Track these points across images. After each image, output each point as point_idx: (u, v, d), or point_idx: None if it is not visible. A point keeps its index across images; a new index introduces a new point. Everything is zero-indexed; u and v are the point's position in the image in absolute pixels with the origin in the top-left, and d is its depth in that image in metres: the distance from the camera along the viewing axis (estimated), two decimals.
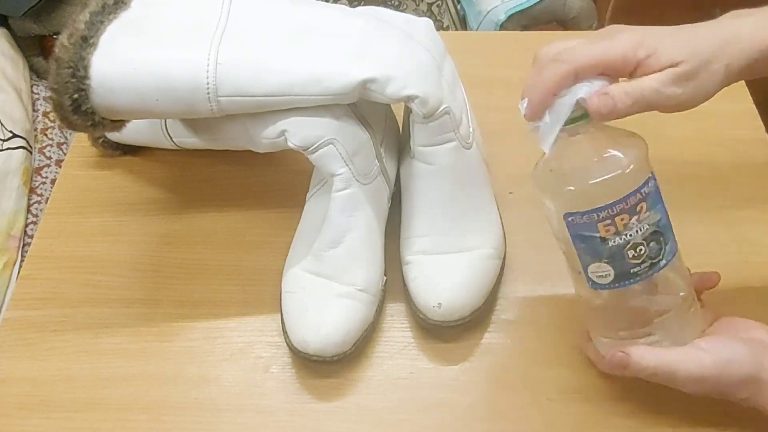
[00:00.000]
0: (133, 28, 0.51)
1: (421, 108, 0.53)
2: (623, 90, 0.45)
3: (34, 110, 1.33)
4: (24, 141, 1.21)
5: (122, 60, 0.50)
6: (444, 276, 0.56)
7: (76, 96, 0.49)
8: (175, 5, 0.53)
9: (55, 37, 1.43)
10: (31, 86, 1.37)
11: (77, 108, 0.49)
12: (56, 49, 0.49)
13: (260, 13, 0.54)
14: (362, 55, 0.53)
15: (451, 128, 0.55)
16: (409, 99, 0.53)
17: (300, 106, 0.52)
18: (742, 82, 0.78)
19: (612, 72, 0.46)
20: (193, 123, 0.60)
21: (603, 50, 0.46)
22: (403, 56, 0.55)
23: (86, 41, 0.49)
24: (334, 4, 0.58)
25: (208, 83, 0.50)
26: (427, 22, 0.62)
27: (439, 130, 0.55)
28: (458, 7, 1.88)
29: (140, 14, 0.52)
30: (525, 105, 0.46)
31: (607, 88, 0.45)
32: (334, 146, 0.53)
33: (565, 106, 0.45)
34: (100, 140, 0.71)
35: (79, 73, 0.49)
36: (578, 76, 0.45)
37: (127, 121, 0.55)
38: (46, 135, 1.31)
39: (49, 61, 0.49)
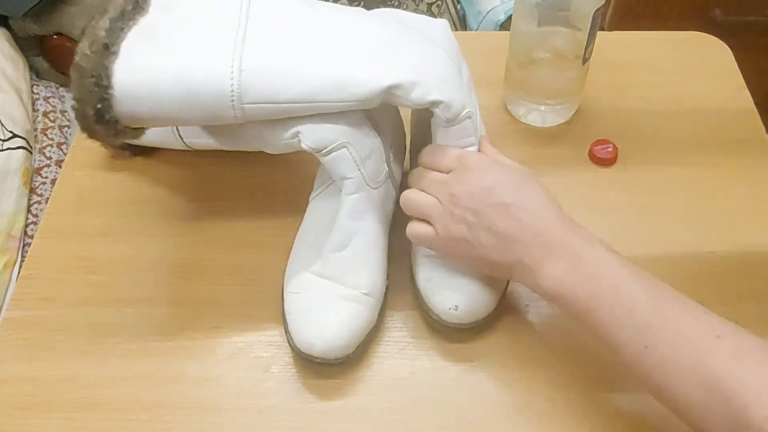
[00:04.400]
0: (154, 34, 0.50)
1: (445, 113, 0.53)
2: None
3: (34, 110, 1.33)
4: (24, 141, 1.21)
5: (144, 68, 0.49)
6: (461, 279, 0.56)
7: (99, 106, 0.48)
8: (194, 8, 0.52)
9: (55, 37, 1.44)
10: (31, 86, 1.37)
11: (100, 117, 0.49)
12: (77, 58, 0.48)
13: (280, 15, 0.54)
14: (386, 59, 0.53)
15: (472, 132, 0.55)
16: (434, 104, 0.52)
17: (324, 112, 0.52)
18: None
19: None
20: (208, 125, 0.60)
21: None
22: (426, 61, 0.55)
23: (107, 49, 0.48)
24: (350, 7, 0.58)
25: (232, 91, 0.49)
26: (443, 24, 0.62)
27: (461, 134, 0.55)
28: (458, 7, 1.88)
29: (159, 19, 0.51)
30: None
31: None
32: (347, 150, 0.53)
33: None
34: (111, 130, 0.70)
35: (102, 82, 0.48)
36: None
37: (147, 128, 0.54)
38: (46, 135, 1.31)
39: (71, 71, 0.48)
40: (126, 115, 0.49)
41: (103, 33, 0.48)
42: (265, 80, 0.50)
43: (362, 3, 2.13)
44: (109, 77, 0.48)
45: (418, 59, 0.54)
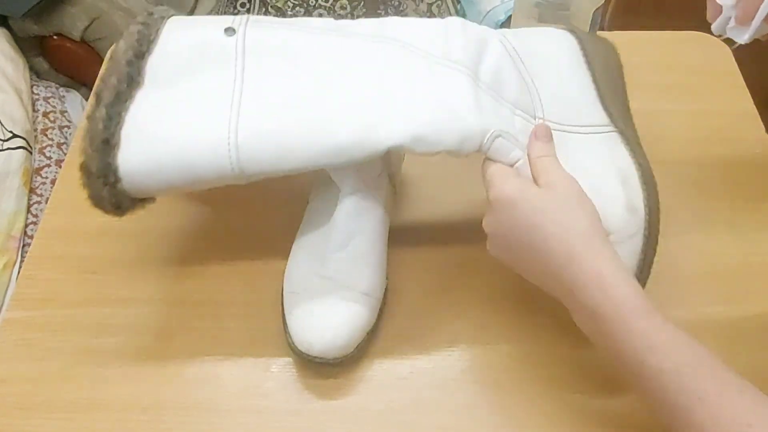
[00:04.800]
0: (151, 111, 0.51)
1: (465, 150, 0.50)
2: None
3: (34, 110, 1.33)
4: (24, 141, 1.21)
5: (146, 157, 0.50)
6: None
7: (114, 200, 0.51)
8: (187, 74, 0.53)
9: (55, 37, 1.44)
10: (31, 86, 1.37)
11: (117, 205, 0.52)
12: (83, 157, 0.50)
13: (276, 66, 0.53)
14: (386, 116, 0.51)
15: (509, 148, 0.51)
16: (448, 153, 0.51)
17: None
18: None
19: None
20: None
21: None
22: (433, 107, 0.51)
23: (108, 143, 0.50)
24: (354, 39, 0.56)
25: (232, 167, 0.50)
26: (458, 20, 0.59)
27: (500, 155, 0.51)
28: (458, 7, 1.88)
29: (154, 94, 0.52)
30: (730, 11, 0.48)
31: None
32: None
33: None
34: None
35: (109, 180, 0.50)
36: None
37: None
38: (46, 135, 1.31)
39: (81, 171, 0.51)
40: (138, 193, 0.52)
41: (101, 126, 0.50)
42: (262, 156, 0.51)
43: (362, 3, 2.13)
44: (116, 173, 0.50)
45: (422, 107, 0.52)
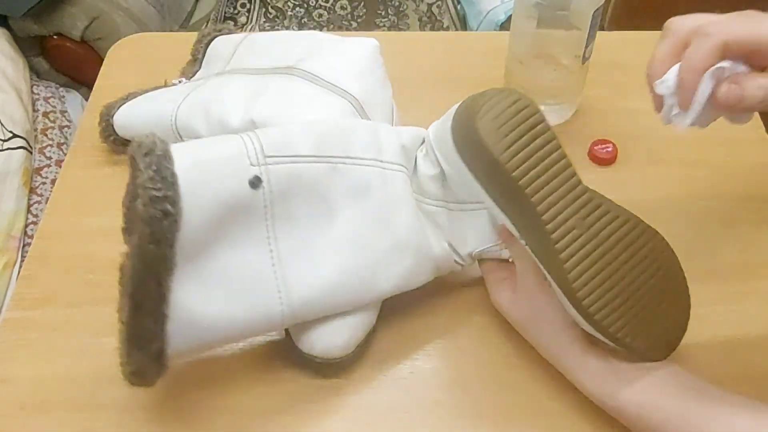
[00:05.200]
0: (192, 296, 0.48)
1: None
2: (758, 83, 0.42)
3: (34, 110, 1.33)
4: (24, 141, 1.21)
5: (196, 340, 0.49)
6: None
7: (160, 372, 0.49)
8: (220, 240, 0.48)
9: (55, 37, 1.44)
10: (31, 86, 1.37)
11: (159, 370, 0.50)
12: (124, 358, 0.47)
13: (306, 213, 0.51)
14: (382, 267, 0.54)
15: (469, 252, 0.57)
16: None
17: None
18: None
19: (757, 57, 0.43)
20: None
21: (754, 29, 0.43)
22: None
23: (154, 344, 0.47)
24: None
25: (282, 325, 0.52)
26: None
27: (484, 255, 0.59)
28: (458, 7, 1.88)
29: (191, 272, 0.47)
30: (667, 83, 0.46)
31: (739, 77, 0.43)
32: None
33: (706, 83, 0.45)
34: (111, 137, 0.71)
35: (162, 360, 0.48)
36: (725, 52, 0.43)
37: None
38: (46, 135, 1.31)
39: (123, 367, 0.48)
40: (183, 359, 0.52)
41: (148, 335, 0.47)
42: (311, 315, 0.52)
43: (362, 3, 2.13)
44: (161, 368, 0.49)
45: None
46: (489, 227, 0.56)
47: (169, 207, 0.44)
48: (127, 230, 0.50)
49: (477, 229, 0.56)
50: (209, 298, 0.48)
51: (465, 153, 0.51)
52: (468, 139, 0.50)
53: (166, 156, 0.45)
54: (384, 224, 0.53)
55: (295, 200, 0.50)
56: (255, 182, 0.48)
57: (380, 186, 0.54)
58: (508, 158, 0.47)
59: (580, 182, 0.49)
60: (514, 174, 0.47)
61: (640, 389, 0.49)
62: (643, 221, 0.51)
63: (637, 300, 0.49)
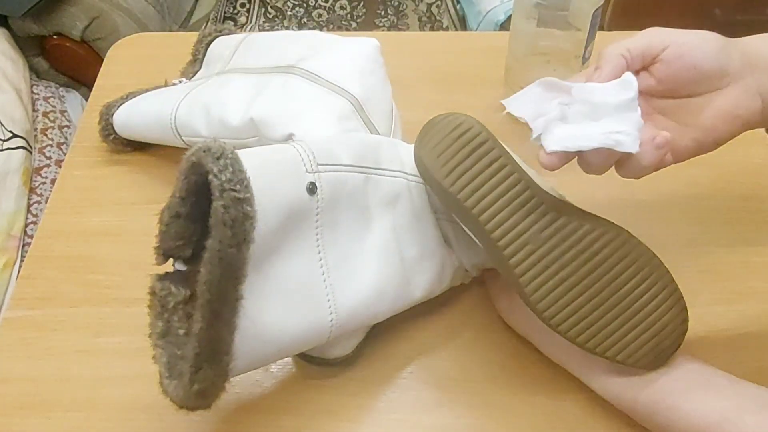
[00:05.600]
0: (257, 307, 0.47)
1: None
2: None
3: (34, 110, 1.33)
4: (24, 141, 1.21)
5: (259, 355, 0.49)
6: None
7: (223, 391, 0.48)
8: (276, 248, 0.48)
9: (55, 37, 1.44)
10: (31, 86, 1.37)
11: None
12: (196, 379, 0.45)
13: (350, 224, 0.52)
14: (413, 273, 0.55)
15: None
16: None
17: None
18: None
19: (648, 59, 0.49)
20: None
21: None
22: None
23: (225, 353, 0.46)
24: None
25: (331, 332, 0.51)
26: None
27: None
28: (458, 7, 1.88)
29: (255, 282, 0.47)
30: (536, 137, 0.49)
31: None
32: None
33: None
34: (110, 136, 0.71)
35: (228, 376, 0.47)
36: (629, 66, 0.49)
37: None
38: (46, 135, 1.31)
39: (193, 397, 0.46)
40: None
41: (222, 344, 0.46)
42: (353, 326, 0.52)
43: (362, 3, 2.13)
44: (225, 380, 0.47)
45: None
46: None
47: (248, 208, 0.44)
48: (162, 249, 0.48)
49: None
50: (268, 308, 0.47)
51: (423, 179, 0.53)
52: (418, 165, 0.52)
53: (237, 159, 0.45)
54: (413, 233, 0.54)
55: (339, 208, 0.51)
56: (311, 188, 0.49)
57: (407, 196, 0.55)
58: (451, 182, 0.48)
59: (533, 197, 0.49)
60: (459, 197, 0.48)
61: (651, 387, 0.49)
62: (615, 227, 0.50)
63: (608, 308, 0.49)
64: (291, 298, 0.48)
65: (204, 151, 0.44)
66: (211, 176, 0.43)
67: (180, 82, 0.73)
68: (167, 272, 0.49)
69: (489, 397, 0.55)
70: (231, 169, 0.43)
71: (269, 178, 0.47)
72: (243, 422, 0.54)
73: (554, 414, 0.54)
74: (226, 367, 0.46)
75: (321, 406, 0.55)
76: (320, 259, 0.50)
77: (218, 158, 0.44)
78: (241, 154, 0.46)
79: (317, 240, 0.50)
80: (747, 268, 0.63)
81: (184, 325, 0.47)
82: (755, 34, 0.51)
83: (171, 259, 0.48)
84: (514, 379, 0.56)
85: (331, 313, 0.50)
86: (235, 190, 0.43)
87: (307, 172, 0.49)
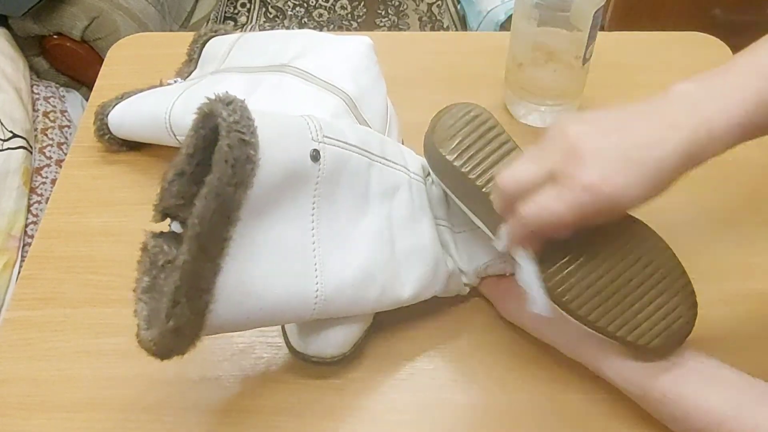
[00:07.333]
0: (247, 256, 0.47)
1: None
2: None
3: (34, 110, 1.33)
4: (24, 141, 1.21)
5: (240, 307, 0.48)
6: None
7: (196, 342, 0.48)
8: (274, 206, 0.48)
9: (55, 37, 1.44)
10: (31, 86, 1.37)
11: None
12: (174, 316, 0.45)
13: (347, 201, 0.52)
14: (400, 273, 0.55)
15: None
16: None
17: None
18: None
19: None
20: None
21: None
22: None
23: (206, 293, 0.46)
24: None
25: (311, 315, 0.51)
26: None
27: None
28: (458, 7, 1.88)
29: (249, 232, 0.47)
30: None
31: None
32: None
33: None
34: (106, 136, 0.71)
35: (204, 320, 0.46)
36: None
37: None
38: (46, 135, 1.31)
39: (168, 324, 0.45)
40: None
41: (204, 281, 0.45)
42: (337, 310, 0.52)
43: (362, 3, 2.13)
44: (201, 327, 0.47)
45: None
46: (489, 246, 0.56)
47: (251, 152, 0.44)
48: (161, 207, 0.49)
49: (479, 247, 0.57)
50: (255, 261, 0.47)
51: (432, 167, 0.55)
52: (428, 151, 0.54)
53: (246, 108, 0.46)
54: (408, 226, 0.55)
55: (339, 183, 0.52)
56: (315, 156, 0.50)
57: (407, 191, 0.56)
58: (462, 162, 0.52)
59: None
60: (470, 177, 0.51)
61: (664, 376, 0.49)
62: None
63: (618, 287, 0.49)
64: (279, 258, 0.49)
65: (215, 99, 0.45)
66: (219, 119, 0.44)
67: (175, 81, 0.73)
68: (162, 231, 0.49)
69: (489, 397, 0.55)
70: (239, 114, 0.45)
71: (276, 132, 0.48)
72: (243, 423, 0.54)
73: (555, 415, 0.54)
74: (205, 307, 0.45)
75: (321, 406, 0.55)
76: (313, 228, 0.50)
77: (228, 104, 0.45)
78: (251, 107, 0.47)
79: (313, 209, 0.50)
80: (747, 268, 0.63)
81: (170, 283, 0.47)
82: (755, 34, 0.51)
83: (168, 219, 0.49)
84: (514, 381, 0.56)
85: (317, 284, 0.50)
86: (241, 132, 0.44)
87: (312, 139, 0.50)
